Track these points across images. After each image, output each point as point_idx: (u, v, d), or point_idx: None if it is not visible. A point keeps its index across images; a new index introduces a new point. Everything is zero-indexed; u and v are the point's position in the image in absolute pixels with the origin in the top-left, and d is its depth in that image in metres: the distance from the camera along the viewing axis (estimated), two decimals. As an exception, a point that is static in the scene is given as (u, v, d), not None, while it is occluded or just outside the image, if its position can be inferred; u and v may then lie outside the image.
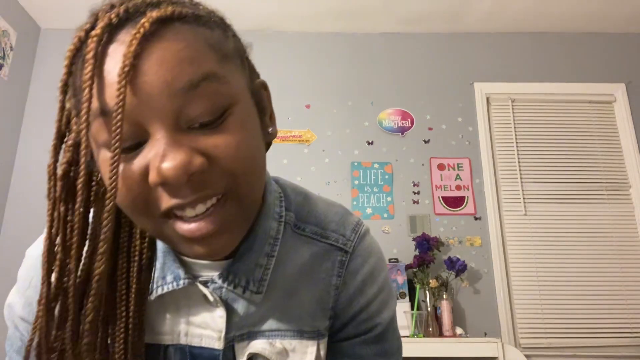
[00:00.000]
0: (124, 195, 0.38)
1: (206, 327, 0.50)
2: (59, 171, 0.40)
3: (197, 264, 0.49)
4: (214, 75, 0.38)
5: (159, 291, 0.48)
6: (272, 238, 0.51)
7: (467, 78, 2.72)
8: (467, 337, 2.02)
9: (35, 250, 0.53)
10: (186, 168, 0.36)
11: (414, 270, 2.19)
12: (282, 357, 0.51)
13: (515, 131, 2.62)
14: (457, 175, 2.53)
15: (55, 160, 0.41)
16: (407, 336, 2.00)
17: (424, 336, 2.00)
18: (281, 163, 2.51)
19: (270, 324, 0.51)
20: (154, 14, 0.37)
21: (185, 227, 0.39)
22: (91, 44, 0.36)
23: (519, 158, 2.57)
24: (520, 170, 2.55)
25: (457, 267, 2.18)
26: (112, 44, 0.37)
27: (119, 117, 0.35)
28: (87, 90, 0.36)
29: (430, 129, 2.62)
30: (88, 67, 0.36)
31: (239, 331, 0.51)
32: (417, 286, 2.13)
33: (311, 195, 0.58)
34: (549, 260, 2.40)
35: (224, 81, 0.39)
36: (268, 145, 0.50)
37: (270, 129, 0.49)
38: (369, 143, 2.59)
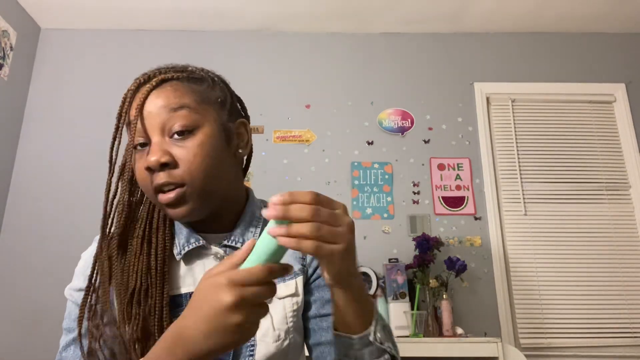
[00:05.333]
0: (140, 178, 0.68)
1: None
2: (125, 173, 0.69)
3: (208, 237, 0.74)
4: (188, 106, 0.67)
5: (186, 248, 0.72)
6: (257, 217, 0.78)
7: (467, 78, 2.72)
8: (467, 337, 2.02)
9: (88, 252, 0.77)
10: (157, 160, 0.64)
11: (414, 270, 2.19)
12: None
13: (515, 131, 2.62)
14: (457, 175, 2.53)
15: (115, 160, 0.70)
16: (407, 336, 2.01)
17: (424, 336, 2.00)
18: (281, 163, 2.51)
19: None
20: (160, 77, 0.69)
21: (162, 197, 0.66)
22: (128, 93, 0.69)
23: (519, 158, 2.57)
24: (520, 170, 2.55)
25: (457, 267, 2.17)
26: (137, 93, 0.69)
27: (134, 128, 0.66)
28: (125, 117, 0.68)
29: (430, 129, 2.62)
30: (126, 104, 0.68)
31: None
32: (417, 286, 2.13)
33: None
34: (549, 260, 2.40)
35: (195, 112, 0.67)
36: (245, 160, 0.82)
37: (240, 151, 0.76)
38: (369, 143, 2.59)
